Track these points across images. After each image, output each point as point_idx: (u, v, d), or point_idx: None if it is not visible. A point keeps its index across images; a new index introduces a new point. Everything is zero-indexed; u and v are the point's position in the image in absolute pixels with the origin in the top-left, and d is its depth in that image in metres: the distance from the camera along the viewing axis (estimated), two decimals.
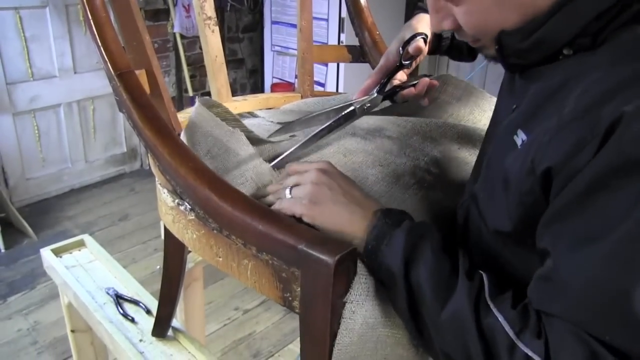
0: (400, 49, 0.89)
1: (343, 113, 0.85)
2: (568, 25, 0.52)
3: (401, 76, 0.92)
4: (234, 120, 0.82)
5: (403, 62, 0.89)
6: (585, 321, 0.47)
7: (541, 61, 0.57)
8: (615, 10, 0.50)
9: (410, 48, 0.88)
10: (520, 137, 0.57)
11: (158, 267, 1.05)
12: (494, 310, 0.53)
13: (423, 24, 0.92)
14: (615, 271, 0.45)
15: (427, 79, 0.90)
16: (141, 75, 0.83)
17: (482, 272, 0.57)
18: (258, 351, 2.06)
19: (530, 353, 0.49)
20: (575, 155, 0.47)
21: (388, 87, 0.90)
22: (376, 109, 0.90)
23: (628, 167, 0.44)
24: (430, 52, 0.95)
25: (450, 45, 0.95)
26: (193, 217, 0.70)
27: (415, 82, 0.89)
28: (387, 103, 0.91)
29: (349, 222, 0.61)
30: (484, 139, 0.77)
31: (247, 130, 0.82)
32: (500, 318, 0.52)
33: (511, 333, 0.51)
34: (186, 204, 0.70)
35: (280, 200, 0.66)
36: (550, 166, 0.49)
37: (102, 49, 0.74)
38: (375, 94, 0.88)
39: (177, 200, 0.73)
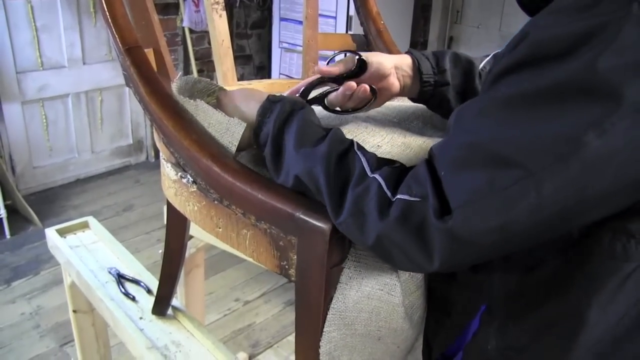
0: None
1: None
2: None
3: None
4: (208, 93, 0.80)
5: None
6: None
7: None
8: None
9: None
10: None
11: (160, 251, 1.07)
12: (359, 153, 0.57)
13: None
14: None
15: (366, 87, 0.77)
16: (149, 53, 0.85)
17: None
18: (257, 342, 2.08)
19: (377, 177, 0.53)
20: None
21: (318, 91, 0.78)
22: None
23: None
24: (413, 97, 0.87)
25: (432, 93, 0.83)
26: (195, 189, 0.71)
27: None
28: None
29: (248, 108, 0.68)
30: None
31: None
32: (363, 159, 0.56)
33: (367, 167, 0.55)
34: (188, 176, 0.72)
35: None
36: None
37: (111, 24, 0.76)
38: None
39: (179, 173, 0.74)
